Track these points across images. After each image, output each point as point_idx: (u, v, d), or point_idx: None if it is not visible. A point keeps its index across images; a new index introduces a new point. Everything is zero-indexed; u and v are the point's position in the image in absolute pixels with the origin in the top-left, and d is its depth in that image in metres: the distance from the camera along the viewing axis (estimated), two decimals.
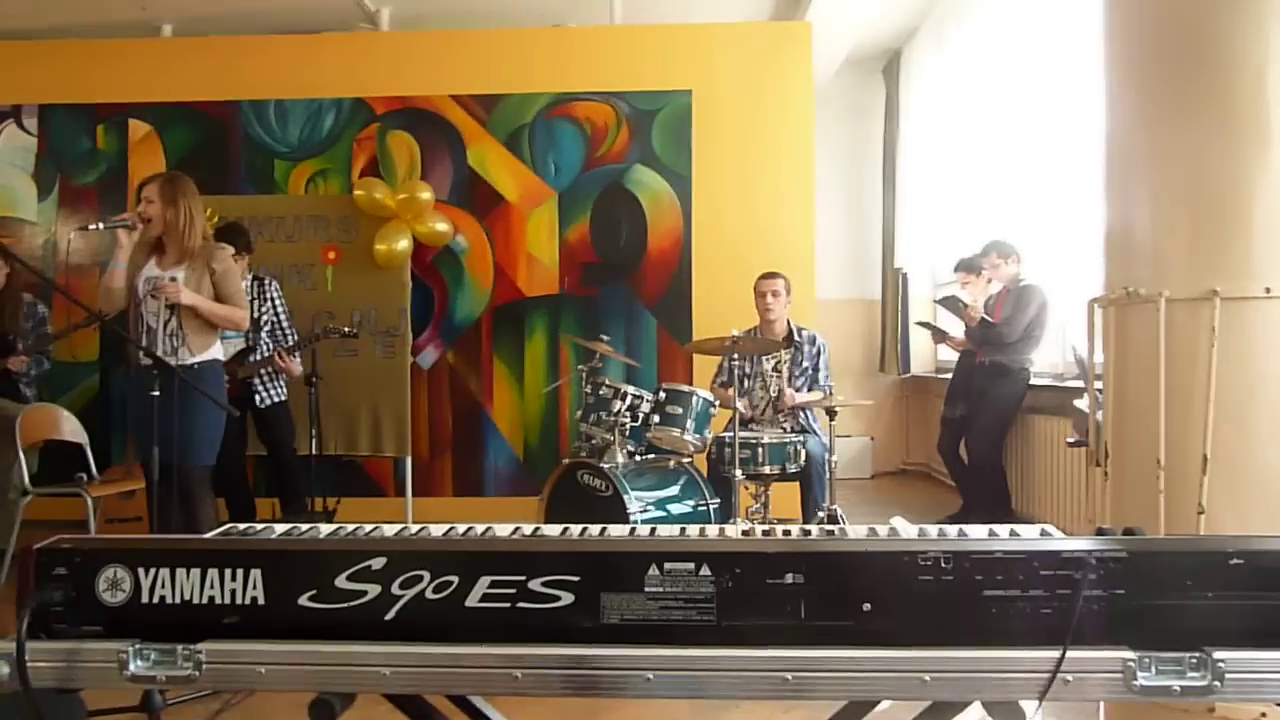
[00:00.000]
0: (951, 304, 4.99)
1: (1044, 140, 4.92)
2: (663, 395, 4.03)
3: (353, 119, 5.42)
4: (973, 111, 5.91)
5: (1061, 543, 1.14)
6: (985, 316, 4.89)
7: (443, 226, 5.21)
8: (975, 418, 4.94)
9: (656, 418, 3.97)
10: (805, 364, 4.36)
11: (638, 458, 4.03)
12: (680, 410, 3.98)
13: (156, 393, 2.80)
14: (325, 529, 1.37)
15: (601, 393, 4.06)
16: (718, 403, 4.09)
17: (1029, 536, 1.23)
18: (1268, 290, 2.31)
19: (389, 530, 1.37)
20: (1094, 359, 2.75)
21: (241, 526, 1.40)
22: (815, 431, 4.28)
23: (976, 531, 1.28)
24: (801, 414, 4.28)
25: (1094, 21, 2.81)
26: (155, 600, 1.13)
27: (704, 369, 4.72)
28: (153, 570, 1.13)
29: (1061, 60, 4.63)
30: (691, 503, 3.91)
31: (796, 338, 4.37)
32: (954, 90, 6.21)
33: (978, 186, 5.94)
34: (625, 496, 3.70)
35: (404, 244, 5.03)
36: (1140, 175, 2.54)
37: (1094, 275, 2.85)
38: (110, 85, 5.39)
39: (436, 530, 1.37)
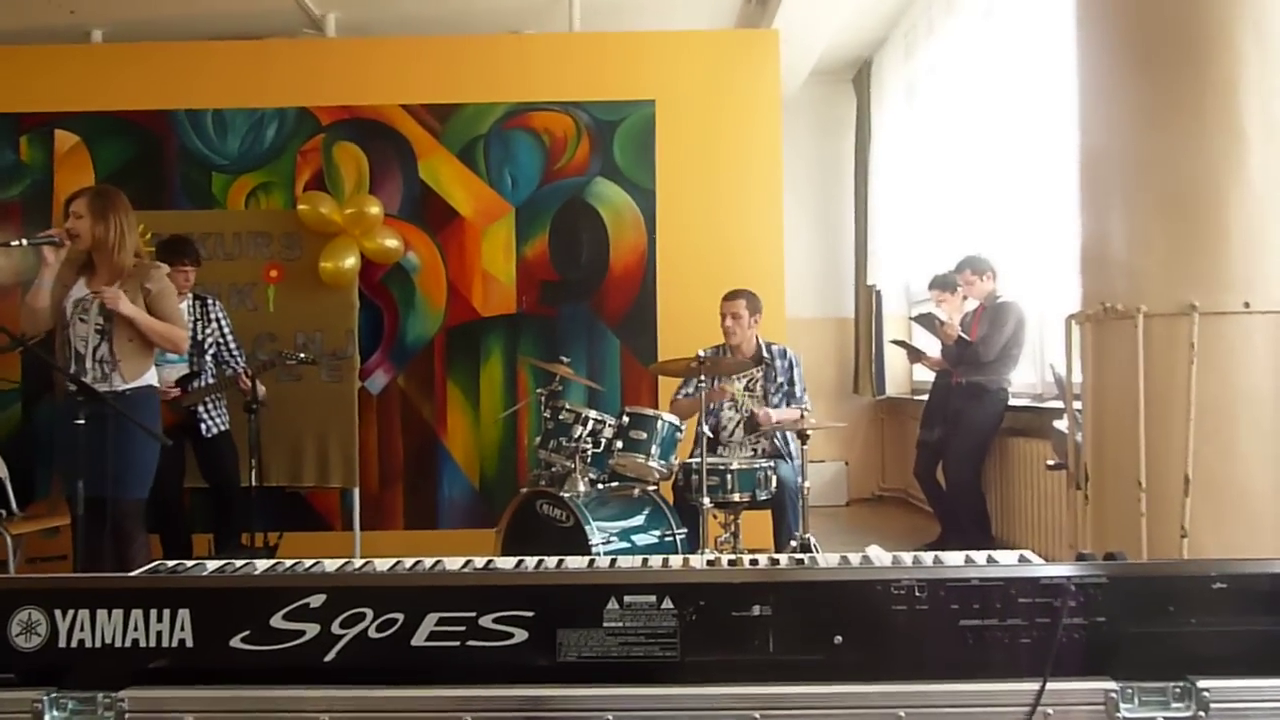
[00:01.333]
0: (927, 322, 5.02)
1: (1018, 151, 4.99)
2: (626, 420, 4.02)
3: (297, 130, 5.39)
4: (945, 122, 5.98)
5: (1041, 569, 1.15)
6: (962, 335, 4.93)
7: (392, 243, 5.19)
8: (952, 440, 4.96)
9: (620, 443, 3.97)
10: (779, 379, 4.35)
11: (600, 486, 4.03)
12: (645, 435, 3.97)
13: (81, 421, 2.74)
14: (261, 565, 1.33)
15: (561, 417, 4.05)
16: (684, 425, 4.08)
17: (1007, 563, 1.23)
18: (1246, 305, 2.32)
19: (330, 565, 1.34)
20: (1072, 378, 2.76)
21: (170, 564, 1.36)
22: (789, 456, 4.28)
23: (953, 559, 1.28)
24: (776, 436, 4.28)
25: (1066, 29, 2.84)
26: (74, 644, 1.10)
27: (670, 392, 4.66)
28: (71, 612, 1.10)
29: (1034, 69, 4.71)
30: (657, 533, 3.90)
31: (766, 354, 4.38)
32: (926, 100, 6.27)
33: (952, 200, 6.00)
34: (587, 527, 3.68)
35: (351, 261, 5.01)
36: (1115, 186, 2.56)
37: (1071, 291, 2.88)
38: (35, 93, 5.29)
39: (381, 565, 1.35)
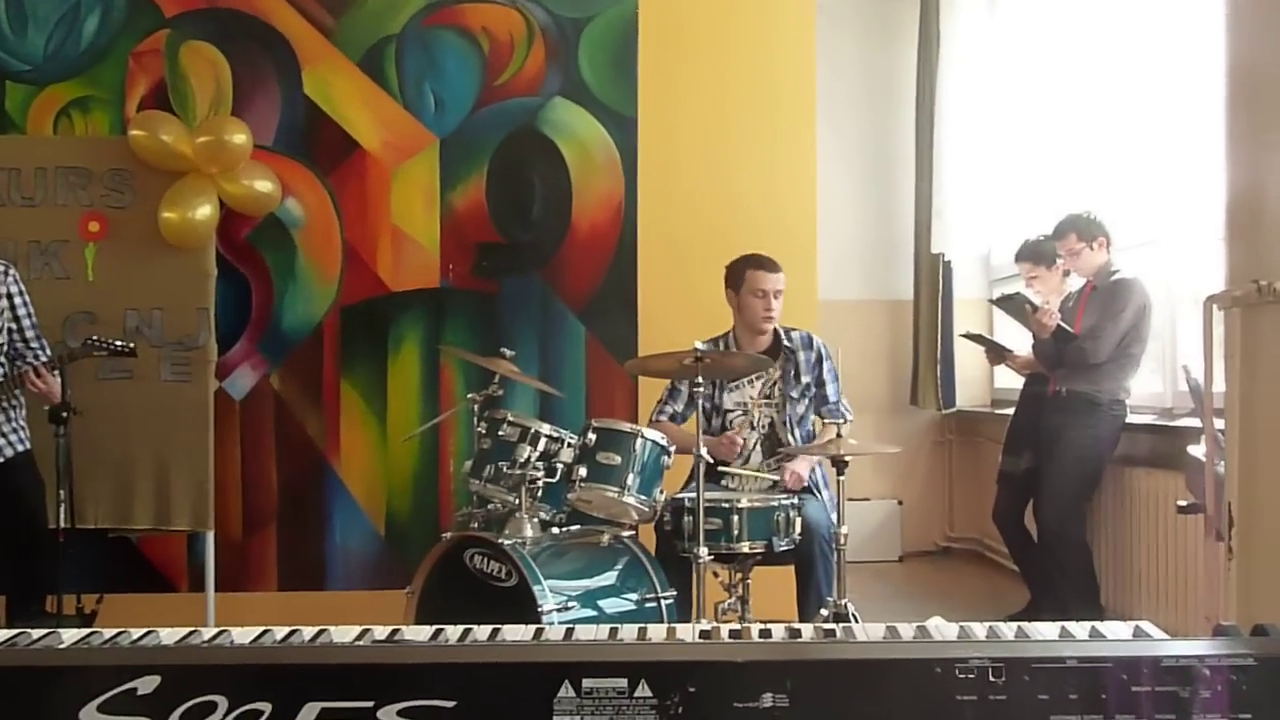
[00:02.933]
0: (1014, 307, 5.02)
1: (1141, 76, 5.00)
2: (593, 438, 4.05)
3: (128, 24, 5.32)
4: (1041, 38, 5.99)
5: (1165, 646, 1.15)
6: (1063, 325, 4.96)
7: (265, 186, 5.14)
8: (1048, 472, 4.98)
9: (584, 471, 4.00)
10: (804, 378, 4.47)
11: (556, 530, 4.07)
12: (618, 460, 3.99)
13: None
14: (71, 636, 1.33)
15: (503, 434, 4.09)
16: (672, 447, 4.12)
17: (1118, 638, 1.24)
18: None
19: (168, 637, 1.33)
20: (1213, 385, 2.77)
21: None
22: (819, 490, 4.34)
23: (1042, 631, 1.29)
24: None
25: None
26: None
27: (654, 398, 4.70)
28: None
29: None
30: (634, 596, 3.95)
31: (787, 342, 4.48)
32: (1014, 6, 6.35)
33: (1049, 142, 6.00)
34: (536, 588, 3.69)
35: (205, 211, 4.94)
36: (1275, 125, 2.55)
37: (1215, 264, 2.96)
38: None
39: (242, 636, 1.34)
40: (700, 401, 4.01)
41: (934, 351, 6.90)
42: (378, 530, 5.36)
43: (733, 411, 4.50)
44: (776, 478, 4.33)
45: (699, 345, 3.92)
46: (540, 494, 4.05)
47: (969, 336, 5.68)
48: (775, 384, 4.47)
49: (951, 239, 6.86)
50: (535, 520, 4.01)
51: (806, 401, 4.45)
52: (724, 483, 4.40)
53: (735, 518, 3.95)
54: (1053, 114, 5.92)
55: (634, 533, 4.10)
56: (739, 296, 4.51)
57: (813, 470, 4.39)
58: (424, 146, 5.38)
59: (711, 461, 4.26)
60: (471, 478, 4.14)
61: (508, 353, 4.46)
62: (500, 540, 3.84)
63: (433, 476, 5.38)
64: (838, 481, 3.92)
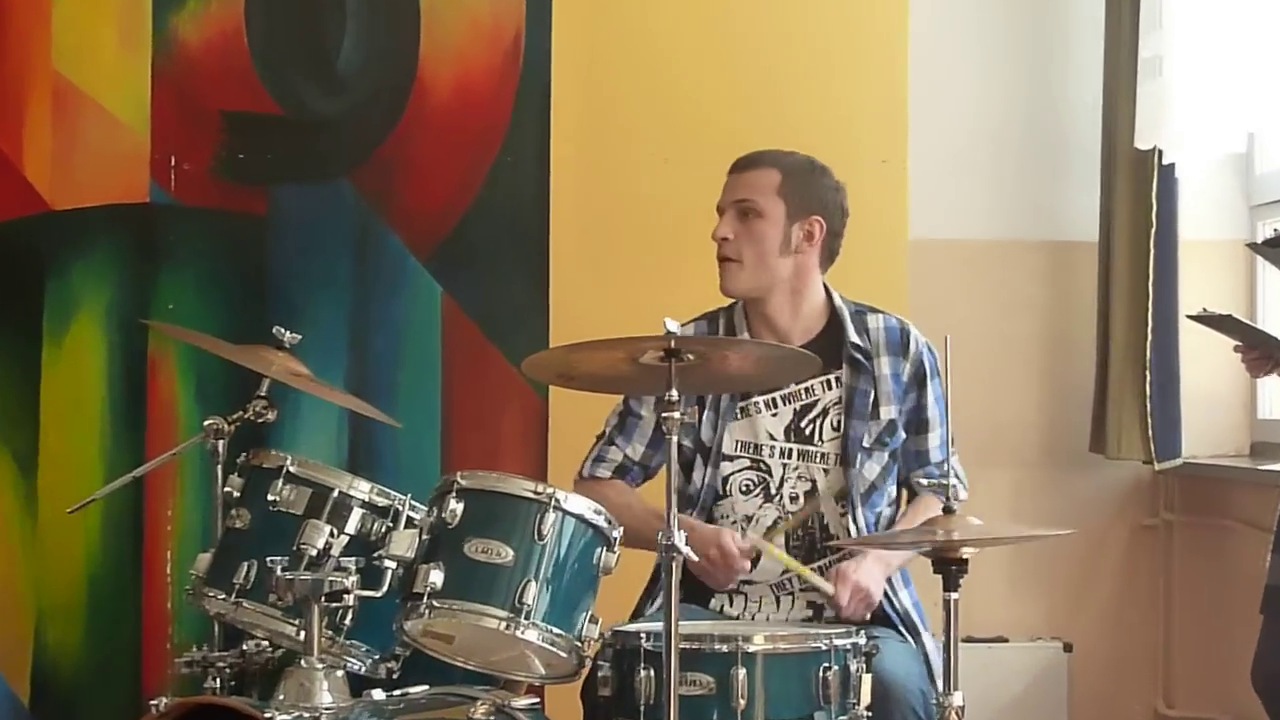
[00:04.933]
0: None
1: None
2: (456, 510, 3.91)
3: None
4: None
5: None
6: None
7: None
8: None
9: (437, 576, 3.83)
10: (888, 409, 4.53)
11: (380, 696, 3.86)
12: (507, 555, 3.87)
13: None
14: None
15: (275, 501, 4.08)
16: (617, 532, 4.02)
17: None
18: None
19: None
20: None
21: None
22: (906, 621, 4.37)
23: None
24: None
25: None
26: None
27: (583, 436, 4.76)
28: None
29: None
30: None
31: (856, 336, 4.52)
32: None
33: None
34: None
35: None
36: None
37: None
38: None
39: None
40: (677, 439, 3.81)
41: (1140, 347, 6.74)
42: (16, 695, 5.39)
43: (737, 459, 4.45)
44: (825, 586, 4.35)
45: (674, 326, 3.71)
46: (350, 621, 3.96)
47: (1206, 318, 5.34)
48: (828, 413, 4.44)
49: (1178, 123, 6.64)
50: (339, 675, 3.88)
51: (887, 453, 4.47)
52: (718, 602, 4.40)
53: (741, 674, 3.74)
54: None
55: (537, 703, 4.06)
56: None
57: (893, 583, 4.45)
58: None
59: (695, 559, 4.05)
60: (210, 588, 4.11)
61: (286, 336, 4.49)
62: (269, 715, 3.75)
63: (131, 584, 5.44)
64: (946, 605, 3.78)
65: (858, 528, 4.44)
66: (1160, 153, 6.50)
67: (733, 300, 4.60)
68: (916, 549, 4.18)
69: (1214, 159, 6.71)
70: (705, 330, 4.53)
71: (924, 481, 4.56)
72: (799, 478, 4.43)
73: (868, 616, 4.27)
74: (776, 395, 4.44)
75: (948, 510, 3.84)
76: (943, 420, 4.53)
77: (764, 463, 4.45)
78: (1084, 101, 6.91)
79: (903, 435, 4.51)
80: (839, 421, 4.47)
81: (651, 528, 3.95)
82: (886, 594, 4.38)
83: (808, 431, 4.47)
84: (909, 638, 4.32)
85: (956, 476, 4.48)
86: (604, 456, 4.58)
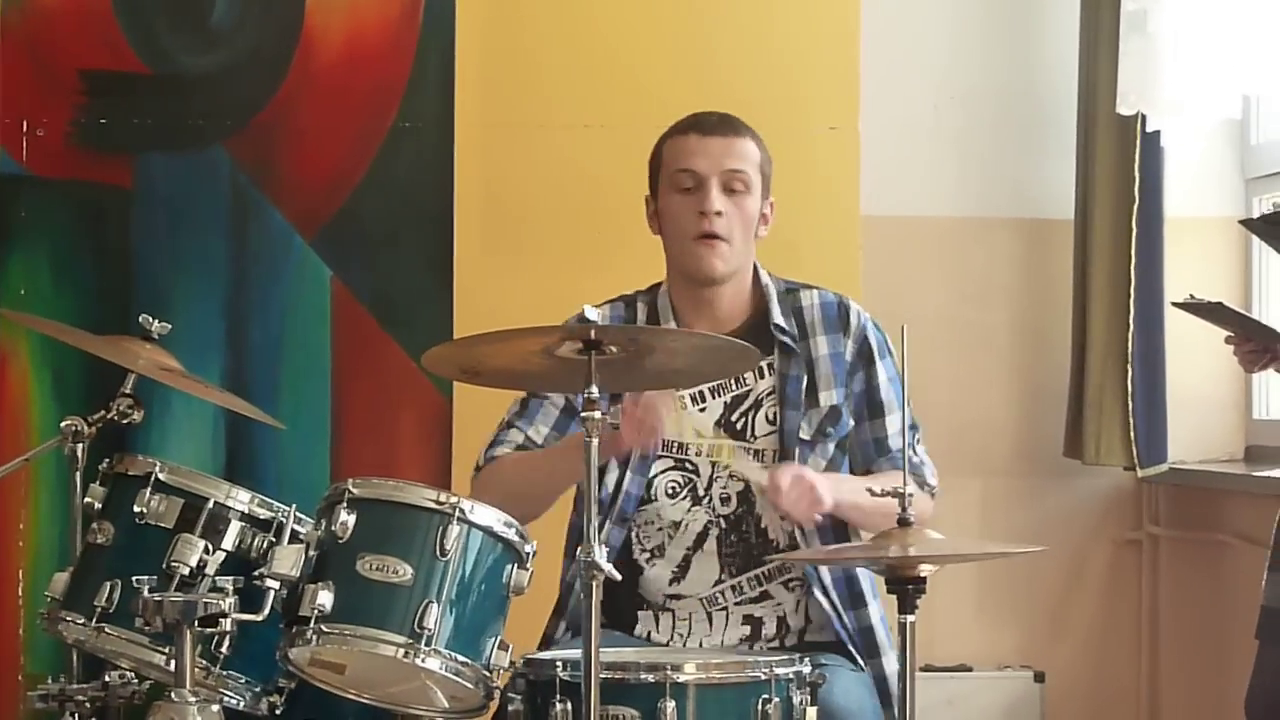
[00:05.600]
0: None
1: None
2: (348, 522, 3.91)
3: None
4: None
5: None
6: None
7: None
8: None
9: (325, 598, 3.84)
10: (829, 394, 4.55)
11: None
12: (405, 573, 3.87)
13: None
14: None
15: (141, 513, 4.03)
16: (530, 548, 4.02)
17: None
18: None
19: None
20: None
21: None
22: (857, 638, 4.40)
23: None
24: (824, 578, 4.44)
25: None
26: None
27: (485, 429, 4.72)
28: None
29: None
30: None
31: (781, 318, 4.54)
32: None
33: None
34: None
35: None
36: None
37: None
38: None
39: None
40: (594, 439, 3.81)
41: (1121, 339, 6.81)
42: None
43: (661, 459, 4.48)
44: (758, 474, 4.41)
45: (589, 312, 3.76)
46: (227, 649, 3.92)
47: (1195, 306, 5.36)
48: (761, 404, 4.46)
49: (1165, 85, 6.68)
50: (214, 710, 3.79)
51: (831, 443, 4.47)
52: (643, 627, 4.43)
53: (670, 707, 3.75)
54: None
55: None
56: (660, 203, 4.55)
57: (845, 599, 4.44)
58: None
59: (615, 575, 3.96)
60: (67, 612, 4.05)
61: (154, 326, 4.44)
62: None
63: None
64: (902, 630, 3.79)
65: (803, 532, 4.43)
66: (1145, 119, 6.54)
67: (657, 282, 4.64)
68: (869, 565, 4.23)
69: (1205, 126, 6.72)
70: (622, 315, 4.55)
71: (890, 471, 4.47)
72: (731, 477, 4.44)
73: (816, 519, 4.30)
74: (704, 388, 4.46)
75: (903, 522, 3.80)
76: (898, 400, 4.53)
77: (690, 462, 4.47)
78: (1059, 61, 6.94)
79: (850, 423, 4.54)
80: (773, 413, 4.51)
81: (551, 460, 4.27)
82: (837, 610, 4.41)
83: (739, 426, 4.50)
84: (862, 664, 4.35)
85: (924, 465, 4.58)
86: (502, 439, 4.56)
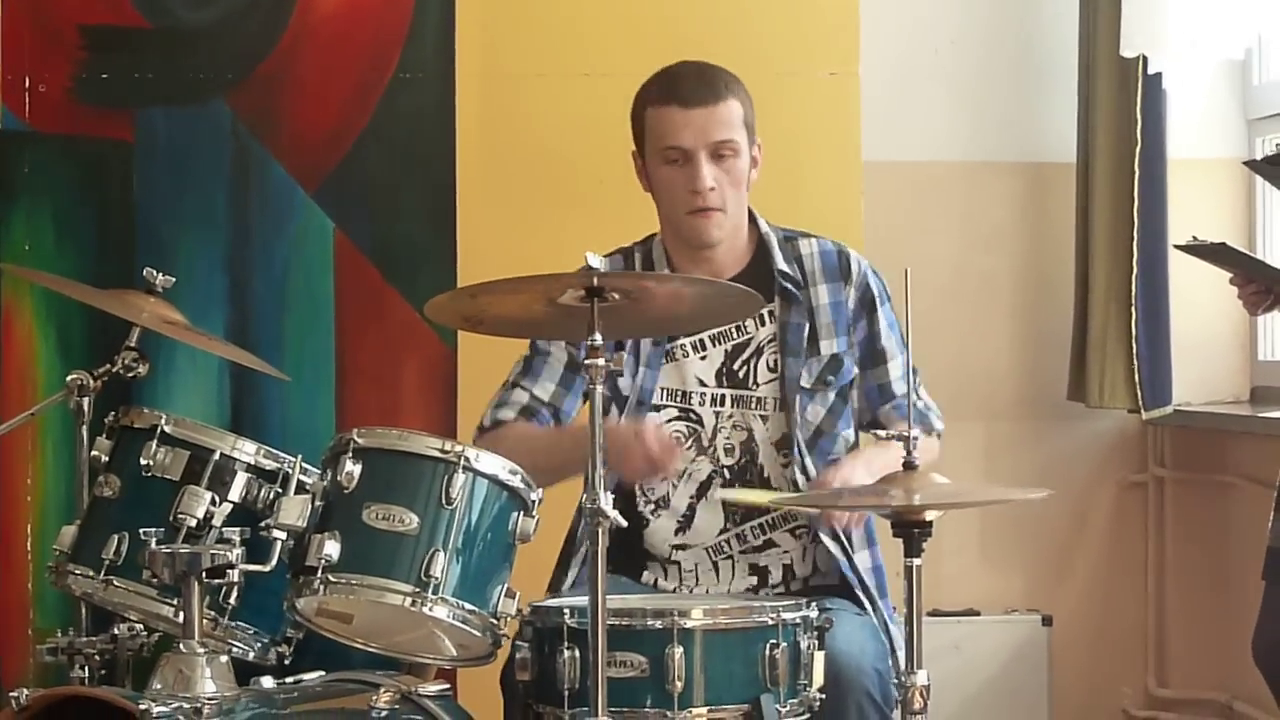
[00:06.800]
0: None
1: None
2: (354, 472, 3.90)
3: None
4: None
5: None
6: None
7: None
8: None
9: (332, 547, 3.82)
10: (831, 341, 4.54)
11: (269, 683, 3.90)
12: (410, 522, 3.86)
13: None
14: None
15: (147, 465, 4.04)
16: (536, 495, 4.01)
17: None
18: None
19: None
20: None
21: None
22: (863, 587, 4.37)
23: None
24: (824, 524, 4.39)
25: None
26: None
27: (499, 383, 4.67)
28: None
29: None
30: None
31: (784, 264, 4.54)
32: None
33: None
34: None
35: None
36: None
37: None
38: None
39: None
40: (598, 387, 3.77)
41: (1124, 281, 6.78)
42: None
43: (665, 409, 4.50)
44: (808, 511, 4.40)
45: (593, 259, 3.71)
46: (235, 600, 3.93)
47: (1197, 248, 5.36)
48: (762, 352, 4.45)
49: (1167, 26, 6.62)
50: (223, 661, 3.80)
51: (832, 392, 4.47)
52: (650, 575, 4.45)
53: (678, 653, 3.73)
54: None
55: (448, 688, 4.04)
56: (649, 169, 4.55)
57: (851, 539, 4.42)
58: None
59: (624, 523, 3.97)
60: (75, 565, 4.06)
61: (158, 279, 4.47)
62: (144, 706, 3.57)
63: None
64: (908, 573, 3.77)
65: (807, 478, 4.43)
66: (1146, 61, 6.51)
67: (652, 234, 4.66)
68: (873, 511, 4.20)
69: (1208, 68, 6.71)
70: (621, 266, 4.54)
71: (884, 424, 4.46)
72: (734, 426, 4.47)
73: (867, 517, 4.35)
74: (705, 336, 4.46)
75: (909, 466, 3.80)
76: (899, 345, 4.57)
77: (694, 412, 4.48)
78: (1060, 3, 6.88)
79: (853, 371, 4.54)
80: (775, 361, 4.50)
81: (561, 449, 4.22)
82: (847, 554, 4.42)
83: (741, 374, 4.50)
84: (868, 607, 4.33)
85: (931, 410, 4.63)
86: (506, 400, 4.58)
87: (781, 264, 4.50)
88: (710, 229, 4.46)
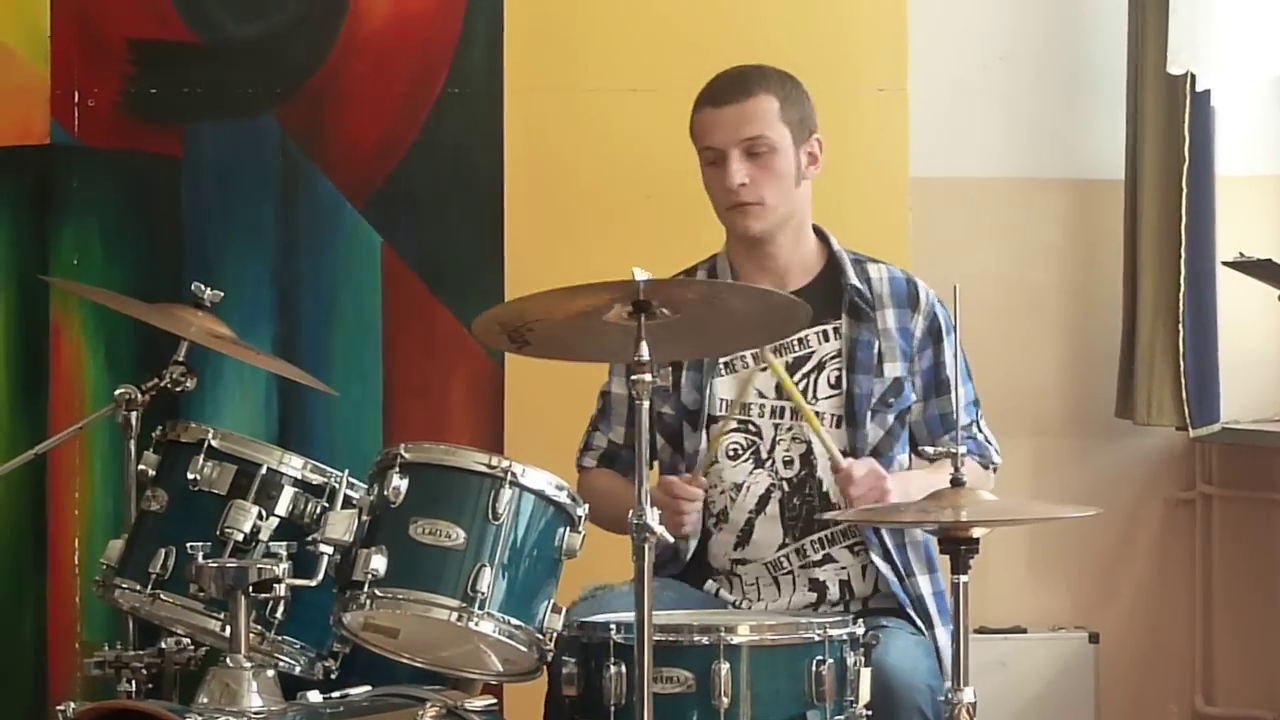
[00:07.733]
0: None
1: None
2: (400, 487, 3.90)
3: None
4: None
5: None
6: None
7: None
8: None
9: (379, 562, 3.82)
10: (893, 365, 4.54)
11: (315, 698, 3.89)
12: (457, 537, 3.86)
13: None
14: None
15: (195, 480, 4.03)
16: (581, 511, 4.01)
17: None
18: None
19: None
20: None
21: None
22: (914, 602, 4.40)
23: None
24: (884, 539, 4.43)
25: None
26: None
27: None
28: None
29: None
30: None
31: (857, 280, 4.54)
32: None
33: None
34: None
35: None
36: None
37: None
38: None
39: None
40: (644, 401, 3.77)
41: (1172, 298, 6.76)
42: None
43: (724, 419, 4.50)
44: (833, 446, 4.39)
45: (643, 275, 3.70)
46: (281, 614, 3.93)
47: (1245, 264, 5.45)
48: (824, 367, 4.45)
49: (1215, 43, 6.63)
50: (269, 675, 3.81)
51: (891, 415, 4.48)
52: (713, 585, 4.45)
53: (724, 669, 3.73)
54: None
55: (494, 703, 4.10)
56: (704, 173, 4.59)
57: (911, 566, 4.46)
58: None
59: (670, 540, 4.07)
60: (122, 579, 4.06)
61: (206, 294, 4.46)
62: (193, 714, 3.72)
63: (33, 576, 5.47)
64: (955, 590, 3.80)
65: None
66: (1194, 78, 6.48)
67: (716, 252, 4.64)
68: (921, 527, 4.20)
69: (1256, 85, 6.68)
70: (699, 273, 4.59)
71: (940, 452, 4.31)
72: (793, 439, 4.45)
73: (880, 501, 4.28)
74: (767, 347, 4.38)
75: (956, 483, 3.81)
76: (965, 378, 4.57)
77: (753, 424, 4.48)
78: (1108, 19, 6.85)
79: (911, 398, 4.54)
80: (837, 377, 4.49)
81: (610, 504, 4.18)
82: (900, 575, 4.43)
83: (801, 388, 4.46)
84: (922, 628, 4.36)
85: (990, 442, 4.65)
86: (590, 444, 4.66)
87: (854, 279, 4.51)
88: (748, 222, 4.48)
